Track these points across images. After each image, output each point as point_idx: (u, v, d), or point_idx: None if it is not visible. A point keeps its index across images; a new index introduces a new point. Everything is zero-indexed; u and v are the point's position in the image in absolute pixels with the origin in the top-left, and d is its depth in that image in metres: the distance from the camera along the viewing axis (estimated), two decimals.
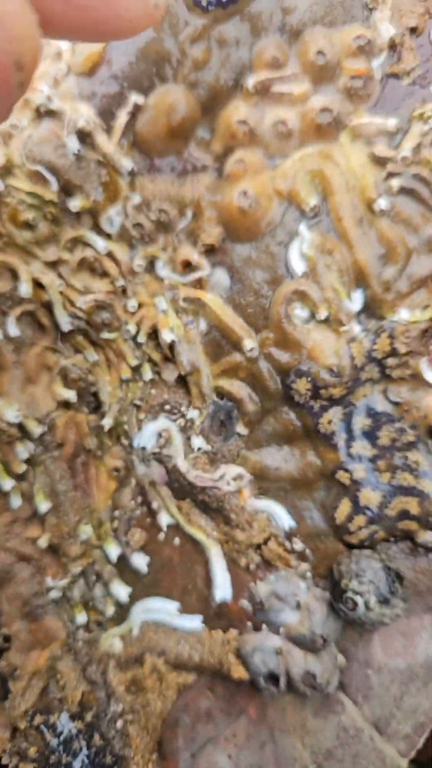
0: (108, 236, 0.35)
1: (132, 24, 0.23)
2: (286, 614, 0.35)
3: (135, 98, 0.33)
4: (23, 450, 0.34)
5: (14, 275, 0.34)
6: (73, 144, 0.33)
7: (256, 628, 0.35)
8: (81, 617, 0.36)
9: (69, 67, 0.35)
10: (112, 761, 0.35)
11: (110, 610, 0.36)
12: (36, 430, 0.34)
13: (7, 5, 0.18)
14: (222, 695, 0.36)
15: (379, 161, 0.32)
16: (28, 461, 0.35)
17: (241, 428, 0.35)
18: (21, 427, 0.34)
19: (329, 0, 0.32)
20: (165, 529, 0.36)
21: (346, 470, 0.33)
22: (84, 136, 0.33)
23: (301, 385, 0.33)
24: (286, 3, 0.33)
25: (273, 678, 0.35)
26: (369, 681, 0.36)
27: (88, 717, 0.35)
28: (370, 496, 0.33)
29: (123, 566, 0.36)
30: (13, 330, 0.34)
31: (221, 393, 0.35)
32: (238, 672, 0.35)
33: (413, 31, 0.32)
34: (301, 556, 0.35)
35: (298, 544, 0.35)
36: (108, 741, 0.35)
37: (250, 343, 0.33)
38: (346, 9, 0.32)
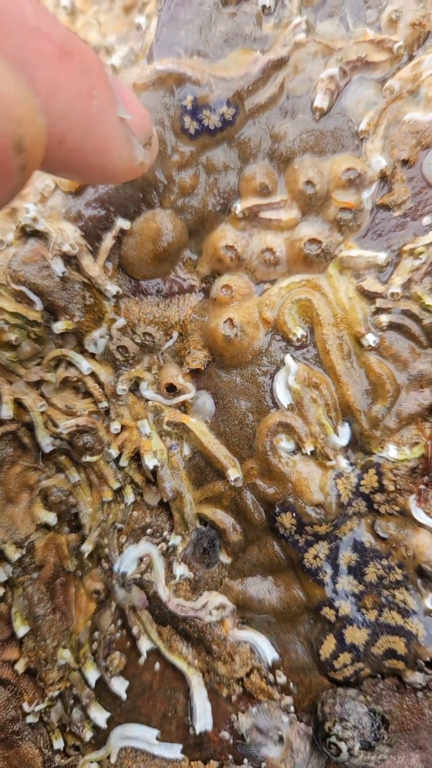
0: (92, 356, 0.34)
1: (116, 176, 0.24)
2: (268, 749, 0.34)
3: (121, 223, 0.33)
4: (1, 572, 0.34)
5: None
6: (59, 266, 0.33)
7: (237, 762, 0.35)
8: (58, 742, 0.35)
9: (56, 184, 0.35)
10: None
11: (88, 735, 0.35)
12: (14, 555, 0.34)
13: (8, 87, 0.18)
14: None
15: (368, 295, 0.31)
16: (6, 584, 0.34)
17: (224, 557, 0.34)
18: None
19: (320, 128, 0.32)
20: (145, 654, 0.35)
21: (332, 606, 0.33)
22: (69, 259, 0.33)
23: (286, 520, 0.32)
24: (275, 130, 0.33)
25: None
26: None
27: None
28: (356, 634, 0.32)
29: (102, 690, 0.36)
30: None
31: (205, 520, 0.34)
32: None
33: (405, 162, 0.31)
34: (285, 689, 0.34)
35: (281, 677, 0.34)
36: None
37: (234, 474, 0.33)
38: (337, 138, 0.32)
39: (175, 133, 0.32)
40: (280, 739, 0.34)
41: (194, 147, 0.32)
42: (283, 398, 0.32)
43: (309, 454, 0.32)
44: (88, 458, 0.34)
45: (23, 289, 0.33)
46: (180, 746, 0.35)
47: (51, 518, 0.34)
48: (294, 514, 0.32)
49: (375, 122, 0.32)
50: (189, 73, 0.31)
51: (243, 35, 0.32)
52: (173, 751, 0.35)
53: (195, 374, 0.34)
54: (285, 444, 0.32)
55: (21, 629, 0.34)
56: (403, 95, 0.31)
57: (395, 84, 0.31)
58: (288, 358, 0.32)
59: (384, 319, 0.31)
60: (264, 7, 0.32)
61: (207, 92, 0.32)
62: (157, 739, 0.35)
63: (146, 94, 0.32)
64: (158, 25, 0.33)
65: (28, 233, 0.34)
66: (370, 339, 0.31)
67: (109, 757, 0.35)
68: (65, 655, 0.35)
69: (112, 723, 0.36)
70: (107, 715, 0.35)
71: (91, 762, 0.35)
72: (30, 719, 0.35)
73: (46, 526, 0.35)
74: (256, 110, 0.32)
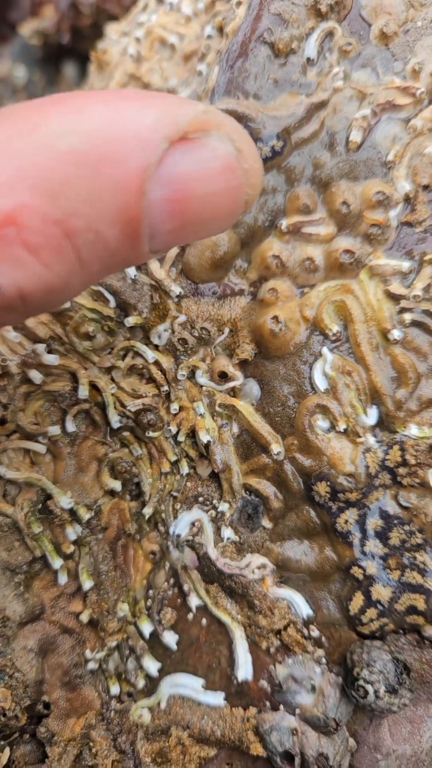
0: (156, 347, 0.41)
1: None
2: (302, 696, 0.39)
3: None
4: (72, 532, 0.40)
5: (74, 378, 0.41)
6: (131, 271, 0.40)
7: (274, 708, 0.40)
8: (114, 688, 0.40)
9: None
10: None
11: (141, 683, 0.41)
12: (85, 515, 0.40)
13: (256, 163, 0.22)
14: None
15: (394, 297, 0.38)
16: (75, 542, 0.40)
17: (266, 522, 0.40)
18: (72, 512, 0.40)
19: (354, 159, 0.39)
20: (194, 610, 0.41)
21: (360, 566, 0.38)
22: (140, 265, 0.40)
23: (322, 488, 0.38)
24: (316, 159, 0.40)
25: (288, 757, 0.38)
26: (377, 765, 0.40)
27: None
28: (382, 592, 0.38)
29: (154, 642, 0.41)
30: (71, 426, 0.40)
31: (250, 489, 0.40)
32: (256, 750, 0.39)
33: (426, 187, 0.38)
34: (317, 643, 0.40)
35: (314, 632, 0.40)
36: None
37: (276, 448, 0.39)
38: (368, 166, 0.39)
39: None
40: (313, 687, 0.39)
41: (251, 209, 0.40)
42: (320, 384, 0.39)
43: (342, 431, 0.38)
44: (151, 434, 0.40)
45: (100, 289, 0.40)
46: (223, 694, 0.40)
47: (117, 485, 0.40)
48: (328, 483, 0.38)
49: (400, 154, 0.39)
50: (246, 112, 0.39)
51: (291, 81, 0.40)
52: (217, 698, 0.40)
53: (243, 364, 0.41)
54: (321, 423, 0.39)
55: (86, 583, 0.40)
56: (425, 132, 0.39)
57: (418, 123, 0.38)
58: (325, 350, 0.39)
59: (407, 317, 0.38)
60: (308, 59, 0.40)
61: (260, 128, 0.39)
62: (202, 687, 0.40)
63: None
64: (219, 72, 0.41)
65: None
66: (396, 334, 0.37)
67: (159, 704, 0.41)
68: (124, 608, 0.40)
69: (162, 673, 0.41)
70: (158, 665, 0.41)
71: (143, 707, 0.41)
72: (91, 666, 0.40)
73: (111, 493, 0.41)
74: (301, 143, 0.39)
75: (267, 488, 0.40)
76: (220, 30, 0.45)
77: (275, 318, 0.39)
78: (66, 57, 1.16)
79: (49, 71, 1.15)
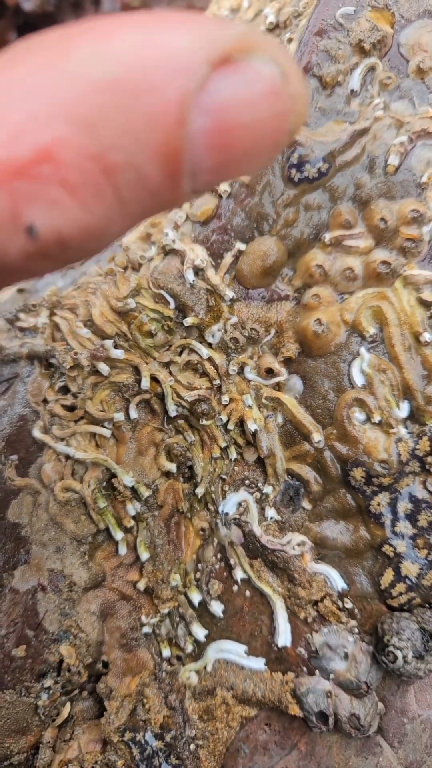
0: (209, 345, 0.46)
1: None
2: (336, 663, 0.44)
3: (239, 245, 0.45)
4: (132, 508, 0.45)
5: (136, 371, 0.46)
6: (190, 276, 0.45)
7: (310, 673, 0.44)
8: (166, 651, 0.45)
9: (186, 215, 0.47)
10: None
11: (189, 648, 0.45)
12: (145, 493, 0.45)
13: (302, 88, 0.20)
14: (277, 730, 0.45)
15: (426, 304, 0.43)
16: (134, 518, 0.45)
17: (306, 504, 0.45)
18: (133, 490, 0.45)
19: (391, 180, 0.44)
20: (239, 582, 0.45)
21: (391, 545, 0.43)
22: (198, 271, 0.46)
23: (357, 473, 0.43)
24: (358, 180, 0.45)
25: (323, 717, 0.43)
26: (404, 728, 0.44)
27: (168, 738, 0.44)
28: (410, 568, 0.42)
29: (202, 611, 0.46)
30: (134, 414, 0.45)
31: (292, 474, 0.45)
32: (294, 710, 0.43)
33: None
34: (351, 614, 0.44)
35: (348, 604, 0.44)
36: (182, 761, 0.44)
37: (317, 437, 0.44)
38: (404, 187, 0.44)
39: (283, 181, 0.45)
40: (346, 655, 0.44)
41: (297, 191, 0.45)
42: (358, 380, 0.43)
43: (377, 423, 0.43)
44: (204, 422, 0.45)
45: (162, 292, 0.46)
46: (264, 659, 0.45)
47: (172, 467, 0.45)
48: (364, 469, 0.43)
49: None
50: (296, 137, 0.44)
51: (336, 110, 0.45)
52: (258, 663, 0.45)
53: (287, 362, 0.46)
54: (358, 415, 0.43)
55: (144, 555, 0.45)
56: None
57: None
58: (362, 350, 0.44)
59: None
60: (352, 90, 0.45)
61: (309, 152, 0.44)
62: (245, 653, 0.45)
63: None
64: None
65: (167, 251, 0.46)
66: (427, 336, 0.42)
67: (206, 667, 0.45)
68: (176, 579, 0.45)
69: (209, 639, 0.46)
70: (206, 632, 0.45)
71: (191, 671, 0.45)
72: (145, 630, 0.45)
73: (167, 474, 0.46)
74: (344, 165, 0.44)
75: (308, 473, 0.45)
76: None
77: (318, 320, 0.44)
78: None
79: None
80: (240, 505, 0.46)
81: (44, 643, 0.44)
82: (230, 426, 0.46)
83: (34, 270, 0.20)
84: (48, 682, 0.43)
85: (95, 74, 0.17)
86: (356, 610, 0.44)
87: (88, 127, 0.17)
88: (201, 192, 0.21)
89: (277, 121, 0.19)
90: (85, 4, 1.25)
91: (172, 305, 0.46)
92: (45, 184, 0.17)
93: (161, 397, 0.46)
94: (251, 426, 0.45)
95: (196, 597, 0.45)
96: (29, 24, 1.29)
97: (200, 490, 0.45)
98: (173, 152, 0.18)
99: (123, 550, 0.45)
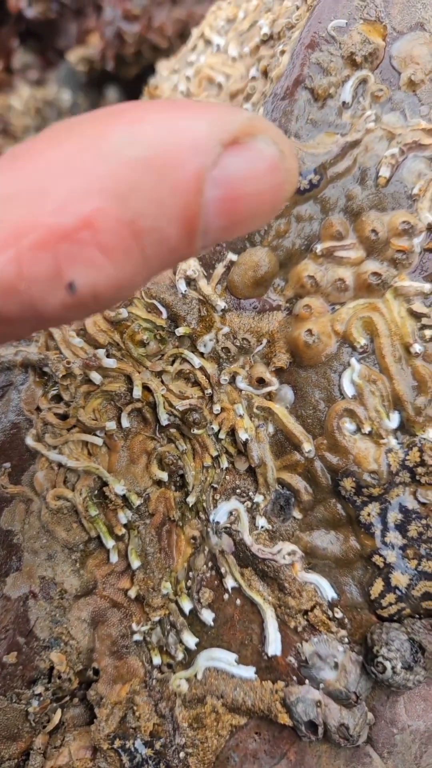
0: (201, 355, 0.47)
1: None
2: (325, 672, 0.44)
3: (230, 256, 0.46)
4: (123, 516, 0.45)
5: (128, 380, 0.46)
6: (182, 286, 0.46)
7: (300, 682, 0.44)
8: (156, 659, 0.46)
9: None
10: None
11: (180, 656, 0.46)
12: (136, 501, 0.45)
13: (294, 162, 0.24)
14: (267, 739, 0.45)
15: (416, 315, 0.43)
16: (126, 526, 0.46)
17: (296, 513, 0.45)
18: (125, 498, 0.45)
19: (383, 192, 0.45)
20: (230, 591, 0.46)
21: (381, 555, 0.43)
22: (190, 281, 0.46)
23: (348, 483, 0.43)
24: (349, 191, 0.45)
25: (312, 727, 0.43)
26: (393, 738, 0.44)
27: (157, 746, 0.44)
28: (400, 578, 0.42)
29: (193, 619, 0.46)
30: (126, 422, 0.46)
31: (282, 483, 0.45)
32: (284, 719, 0.43)
33: None
34: (341, 624, 0.44)
35: (338, 614, 0.44)
36: None
37: (308, 447, 0.44)
38: (396, 199, 0.44)
39: None
40: (336, 665, 0.44)
41: (288, 202, 0.45)
42: (348, 390, 0.44)
43: (367, 433, 0.43)
44: (195, 431, 0.46)
45: (154, 302, 0.46)
46: (254, 668, 0.45)
47: (164, 476, 0.46)
48: (354, 479, 0.43)
49: (424, 188, 0.44)
50: None
51: (328, 122, 0.45)
52: (248, 672, 0.45)
53: (279, 372, 0.46)
54: (349, 425, 0.44)
55: (135, 563, 0.45)
56: None
57: None
58: (353, 360, 0.44)
59: (428, 333, 0.43)
60: (344, 102, 0.45)
61: (300, 163, 0.44)
62: (235, 661, 0.45)
63: None
64: (264, 113, 0.47)
65: None
66: (417, 348, 0.42)
67: (196, 675, 0.46)
68: (167, 587, 0.45)
69: (199, 647, 0.46)
70: (196, 640, 0.46)
71: (181, 678, 0.46)
72: (136, 637, 0.46)
73: (158, 483, 0.46)
74: (336, 177, 0.45)
75: (298, 482, 0.45)
76: (264, 73, 0.51)
77: (309, 331, 0.44)
78: (109, 82, 1.23)
79: (93, 95, 1.23)
80: (231, 514, 0.46)
81: (35, 650, 0.44)
82: (221, 435, 0.46)
83: (68, 319, 0.23)
84: (39, 688, 0.44)
85: (128, 154, 0.21)
86: (346, 620, 0.44)
87: (122, 199, 0.21)
88: (208, 248, 0.24)
89: (275, 191, 0.23)
90: (87, 12, 1.26)
91: (165, 315, 0.46)
92: (85, 246, 0.21)
93: (153, 406, 0.46)
94: (242, 435, 0.45)
95: (186, 605, 0.46)
96: (31, 31, 1.31)
97: (191, 499, 0.46)
98: (191, 216, 0.22)
99: (114, 558, 0.46)
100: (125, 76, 1.20)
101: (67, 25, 1.27)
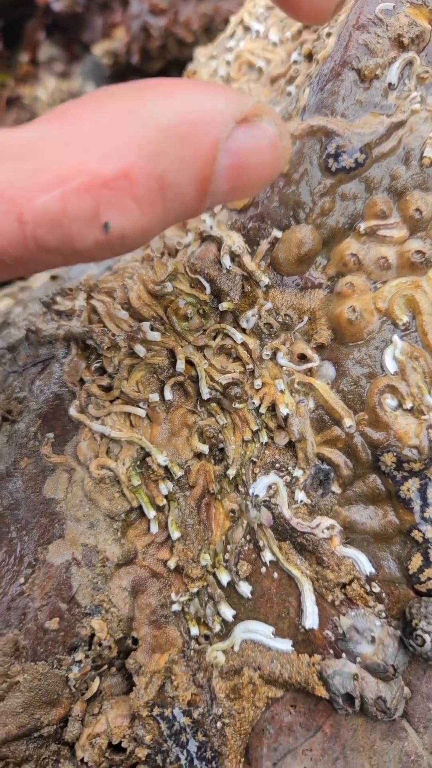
0: (243, 330, 0.47)
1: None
2: (362, 646, 0.44)
3: (275, 233, 0.47)
4: (164, 488, 0.46)
5: (171, 354, 0.47)
6: (226, 262, 0.46)
7: (337, 656, 0.45)
8: (194, 630, 0.46)
9: (222, 204, 0.48)
10: (211, 756, 0.44)
11: (217, 627, 0.46)
12: (177, 473, 0.46)
13: (288, 142, 0.29)
14: (303, 712, 0.46)
15: None
16: (166, 497, 0.46)
17: (336, 488, 0.46)
18: (166, 469, 0.46)
19: (426, 172, 0.45)
20: (267, 564, 0.46)
21: (420, 530, 0.43)
22: (234, 257, 0.47)
23: (388, 459, 0.43)
24: (393, 171, 0.46)
25: (349, 699, 0.44)
26: (430, 713, 0.44)
27: (195, 715, 0.45)
28: None
29: (230, 591, 0.47)
30: (168, 395, 0.46)
31: (322, 458, 0.46)
32: (320, 692, 0.44)
33: None
34: (378, 598, 0.45)
35: (376, 588, 0.45)
36: (209, 738, 0.45)
37: (349, 422, 0.44)
38: None
39: (320, 170, 0.46)
40: (373, 639, 0.44)
41: (333, 180, 0.46)
42: (390, 366, 0.44)
43: (408, 409, 0.44)
44: (236, 405, 0.46)
45: (198, 277, 0.47)
46: (290, 641, 0.46)
47: (205, 449, 0.46)
48: (394, 454, 0.43)
49: None
50: (335, 128, 0.45)
51: (374, 103, 0.46)
52: (285, 644, 0.46)
53: (320, 348, 0.47)
54: (390, 401, 0.44)
55: (175, 533, 0.46)
56: None
57: None
58: (395, 337, 0.44)
59: None
60: (390, 84, 0.46)
61: (346, 142, 0.45)
62: (272, 634, 0.46)
63: (301, 141, 0.45)
64: (310, 93, 0.47)
65: (204, 238, 0.47)
66: None
67: (233, 647, 0.46)
68: (206, 558, 0.46)
69: (236, 619, 0.46)
70: (233, 612, 0.46)
71: (218, 650, 0.46)
72: (175, 608, 0.46)
73: (199, 456, 0.47)
74: (381, 157, 0.46)
75: (338, 457, 0.45)
76: (308, 56, 0.52)
77: (352, 308, 0.45)
78: (133, 76, 1.25)
79: None
80: (270, 487, 0.47)
81: (77, 616, 0.45)
82: (262, 410, 0.47)
83: (96, 256, 0.27)
84: (79, 655, 0.44)
85: (160, 120, 0.25)
86: (384, 595, 0.45)
87: (154, 157, 0.25)
88: (211, 208, 0.31)
89: (273, 164, 0.28)
90: (113, 5, 1.28)
91: (208, 290, 0.47)
92: (121, 194, 0.24)
93: (195, 380, 0.47)
94: (283, 410, 0.46)
95: (224, 577, 0.46)
96: (57, 24, 1.32)
97: (231, 472, 0.46)
98: (206, 178, 0.26)
99: (155, 528, 0.46)
100: (149, 70, 1.21)
101: (92, 19, 1.29)
